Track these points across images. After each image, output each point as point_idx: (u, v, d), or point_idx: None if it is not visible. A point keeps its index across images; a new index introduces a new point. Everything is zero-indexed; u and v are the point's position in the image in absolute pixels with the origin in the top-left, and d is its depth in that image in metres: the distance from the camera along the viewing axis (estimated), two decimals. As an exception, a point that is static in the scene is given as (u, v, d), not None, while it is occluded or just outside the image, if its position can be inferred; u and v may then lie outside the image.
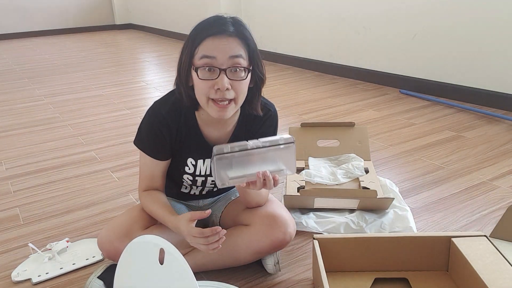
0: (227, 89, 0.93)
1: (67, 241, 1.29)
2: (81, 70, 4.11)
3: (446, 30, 2.67)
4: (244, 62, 0.94)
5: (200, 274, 1.16)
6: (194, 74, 0.95)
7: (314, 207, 1.43)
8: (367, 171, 1.59)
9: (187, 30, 1.00)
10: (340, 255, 1.10)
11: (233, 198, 1.23)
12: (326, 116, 2.48)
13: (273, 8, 4.08)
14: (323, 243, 1.07)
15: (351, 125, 1.73)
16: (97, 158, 2.01)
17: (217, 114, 0.96)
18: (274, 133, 1.13)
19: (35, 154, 2.10)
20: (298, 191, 1.44)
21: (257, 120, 1.09)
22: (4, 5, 6.55)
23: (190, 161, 1.11)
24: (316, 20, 3.62)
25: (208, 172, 1.13)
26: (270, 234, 1.05)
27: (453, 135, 2.12)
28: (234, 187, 1.27)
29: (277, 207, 1.10)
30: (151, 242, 0.78)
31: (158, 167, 1.10)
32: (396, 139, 2.10)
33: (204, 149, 1.09)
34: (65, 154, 2.07)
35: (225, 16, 0.98)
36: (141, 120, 1.12)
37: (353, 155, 1.67)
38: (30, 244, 1.29)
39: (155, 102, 1.09)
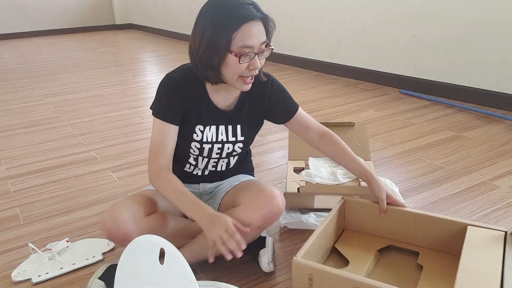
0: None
1: (67, 241, 1.29)
2: (81, 70, 4.12)
3: (446, 30, 2.67)
4: (267, 42, 1.05)
5: (200, 274, 1.16)
6: (231, 56, 1.01)
7: (314, 207, 1.43)
8: None
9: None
10: (364, 218, 1.23)
11: (229, 189, 1.25)
12: (326, 116, 2.48)
13: (273, 8, 4.07)
14: (350, 204, 1.23)
15: (351, 125, 1.73)
16: (97, 158, 2.01)
17: (243, 87, 1.08)
18: (286, 94, 1.23)
19: (35, 154, 2.10)
20: (298, 192, 1.44)
21: (261, 86, 1.18)
22: (4, 5, 6.55)
23: (198, 127, 1.15)
24: (316, 20, 3.62)
25: (214, 139, 1.17)
26: (258, 206, 1.07)
27: (453, 135, 2.12)
28: (235, 174, 1.30)
29: (265, 184, 1.14)
30: (151, 242, 0.78)
31: (169, 133, 1.12)
32: (396, 139, 2.10)
33: (213, 115, 1.15)
34: (65, 154, 2.07)
35: None
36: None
37: (352, 154, 1.67)
38: (30, 244, 1.29)
39: (168, 73, 1.15)
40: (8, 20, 6.65)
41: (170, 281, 0.76)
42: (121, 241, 1.06)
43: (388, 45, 3.08)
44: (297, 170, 1.62)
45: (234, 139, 1.20)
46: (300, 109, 1.25)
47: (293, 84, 3.30)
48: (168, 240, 1.11)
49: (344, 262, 1.14)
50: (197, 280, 0.76)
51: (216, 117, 1.16)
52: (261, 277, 1.15)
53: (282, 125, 1.26)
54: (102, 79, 3.72)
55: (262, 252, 1.13)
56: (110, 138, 2.27)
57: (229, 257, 0.94)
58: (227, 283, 0.98)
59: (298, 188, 1.45)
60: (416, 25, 2.85)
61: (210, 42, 1.01)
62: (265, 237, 1.17)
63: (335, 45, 3.51)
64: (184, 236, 1.17)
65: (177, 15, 5.90)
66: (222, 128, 1.17)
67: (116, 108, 2.83)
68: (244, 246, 0.96)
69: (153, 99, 1.14)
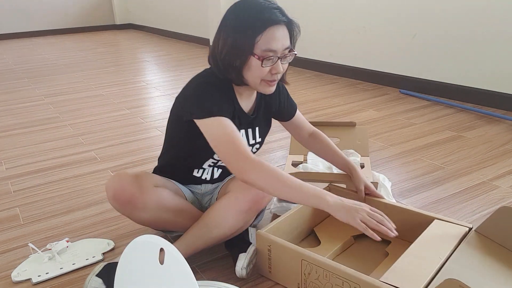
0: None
1: (67, 241, 1.29)
2: (81, 70, 4.12)
3: (446, 30, 2.67)
4: (291, 48, 1.05)
5: (200, 274, 1.16)
6: (253, 59, 1.01)
7: None
8: (362, 167, 1.60)
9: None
10: None
11: (224, 183, 1.27)
12: (326, 116, 2.48)
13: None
14: (334, 191, 1.29)
15: (352, 124, 1.74)
16: (97, 158, 2.01)
17: (267, 90, 1.07)
18: (288, 94, 1.28)
19: (35, 154, 2.10)
20: None
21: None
22: (4, 5, 6.55)
23: None
24: (316, 20, 3.62)
25: None
26: (246, 190, 1.08)
27: (453, 135, 2.12)
28: None
29: None
30: (151, 242, 0.78)
31: (233, 125, 1.04)
32: (396, 139, 2.10)
33: (240, 119, 1.14)
34: (65, 154, 2.07)
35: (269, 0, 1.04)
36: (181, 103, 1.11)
37: (351, 150, 1.69)
38: (30, 244, 1.29)
39: (197, 79, 1.10)
40: (8, 20, 6.65)
41: (170, 281, 0.76)
42: (124, 203, 1.09)
43: (388, 45, 3.08)
44: (295, 164, 1.64)
45: (253, 141, 1.21)
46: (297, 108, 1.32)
47: (293, 84, 3.30)
48: (165, 216, 1.14)
49: (318, 243, 1.23)
50: (197, 280, 0.76)
51: (242, 121, 1.15)
52: (260, 277, 1.15)
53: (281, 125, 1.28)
54: (102, 79, 3.72)
55: (241, 256, 1.12)
56: (110, 138, 2.27)
57: (378, 238, 0.95)
58: (227, 283, 0.98)
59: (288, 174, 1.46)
60: (416, 25, 2.85)
61: (234, 44, 1.01)
62: (250, 244, 1.16)
63: (335, 45, 3.51)
64: (182, 216, 1.18)
65: (177, 15, 5.90)
66: (242, 132, 1.18)
67: (116, 108, 2.83)
68: (394, 225, 0.97)
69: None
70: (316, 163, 1.62)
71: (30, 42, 6.34)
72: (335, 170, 1.57)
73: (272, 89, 1.08)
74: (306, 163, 1.63)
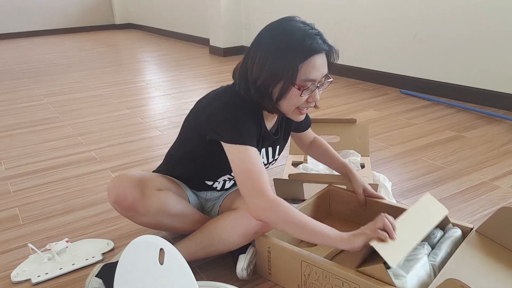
0: None
1: (67, 241, 1.29)
2: (81, 70, 4.11)
3: (446, 30, 2.67)
4: (328, 74, 1.02)
5: (200, 274, 1.15)
6: (293, 89, 0.97)
7: (305, 198, 1.44)
8: (363, 167, 1.60)
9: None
10: (346, 206, 1.33)
11: (229, 192, 1.26)
12: (326, 116, 2.48)
13: (272, 8, 4.07)
14: (334, 192, 1.34)
15: (352, 121, 1.74)
16: (97, 158, 2.01)
17: (299, 118, 1.07)
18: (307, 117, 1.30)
19: (35, 154, 2.09)
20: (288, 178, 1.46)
21: None
22: (4, 5, 6.55)
23: None
24: (317, 19, 3.61)
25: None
26: None
27: (453, 135, 2.12)
28: None
29: None
30: (151, 242, 0.78)
31: (258, 157, 1.01)
32: (397, 139, 2.10)
33: (265, 139, 1.13)
34: (65, 154, 2.07)
35: (308, 23, 1.01)
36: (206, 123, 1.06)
37: (351, 151, 1.69)
38: (30, 244, 1.29)
39: (225, 96, 1.06)
40: (8, 20, 6.64)
41: (170, 281, 0.76)
42: (126, 208, 1.08)
43: (389, 45, 3.08)
44: (295, 164, 1.64)
45: (272, 159, 1.21)
46: None
47: (293, 84, 3.29)
48: (167, 220, 1.13)
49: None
50: (197, 280, 0.75)
51: (265, 141, 1.13)
52: (261, 277, 1.14)
53: None
54: (102, 79, 3.72)
55: (240, 257, 1.12)
56: (110, 138, 2.27)
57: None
58: (227, 283, 0.98)
59: (288, 175, 1.46)
60: (416, 24, 2.84)
61: (273, 73, 0.96)
62: (249, 244, 1.15)
63: (335, 45, 3.50)
64: (184, 221, 1.17)
65: (177, 15, 5.89)
66: (263, 150, 1.16)
67: (115, 108, 2.83)
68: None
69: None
70: (316, 163, 1.62)
71: (29, 42, 6.34)
72: (335, 171, 1.57)
73: (303, 117, 1.06)
74: (306, 163, 1.63)
